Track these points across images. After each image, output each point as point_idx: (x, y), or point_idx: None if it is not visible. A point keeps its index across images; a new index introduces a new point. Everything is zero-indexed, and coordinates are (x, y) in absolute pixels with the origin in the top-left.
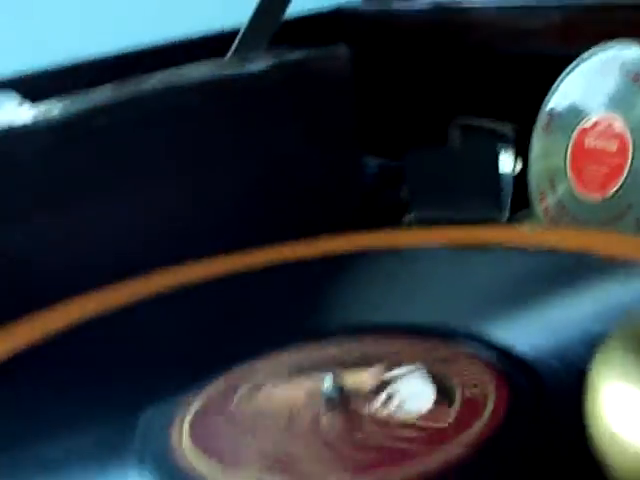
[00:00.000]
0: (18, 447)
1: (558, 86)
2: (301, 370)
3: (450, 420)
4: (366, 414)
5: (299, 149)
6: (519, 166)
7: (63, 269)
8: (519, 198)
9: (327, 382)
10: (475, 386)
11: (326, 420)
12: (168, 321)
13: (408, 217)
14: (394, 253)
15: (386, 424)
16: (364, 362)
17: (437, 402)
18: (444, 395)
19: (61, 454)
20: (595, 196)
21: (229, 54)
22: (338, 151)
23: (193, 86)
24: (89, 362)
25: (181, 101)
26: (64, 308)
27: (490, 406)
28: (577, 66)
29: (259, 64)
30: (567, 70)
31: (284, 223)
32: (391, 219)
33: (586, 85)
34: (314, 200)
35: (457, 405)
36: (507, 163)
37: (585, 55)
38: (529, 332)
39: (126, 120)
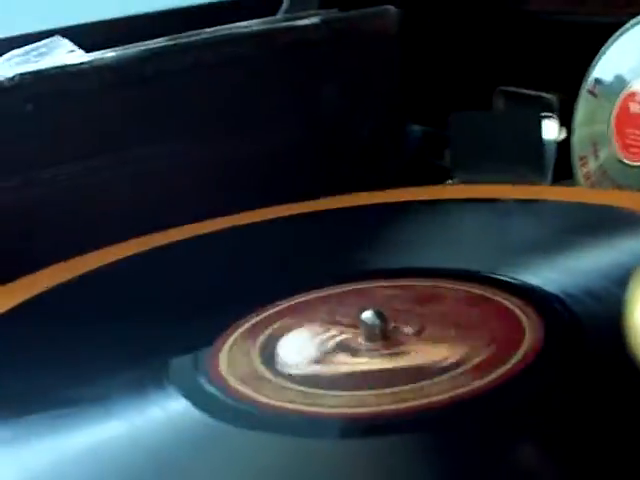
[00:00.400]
0: (60, 385)
1: (604, 53)
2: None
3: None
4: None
5: (344, 105)
6: (563, 134)
7: (104, 215)
8: (562, 167)
9: (368, 313)
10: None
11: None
12: (222, 259)
13: (450, 182)
14: (436, 205)
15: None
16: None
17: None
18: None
19: (104, 389)
20: (637, 161)
21: (279, 13)
22: (382, 109)
23: (243, 36)
24: (129, 299)
25: (231, 50)
26: (109, 249)
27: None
28: (623, 33)
29: (308, 20)
30: (613, 37)
31: (324, 177)
32: (433, 184)
33: (632, 51)
34: (355, 157)
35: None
36: (551, 130)
37: (633, 21)
38: (563, 275)
39: (177, 67)
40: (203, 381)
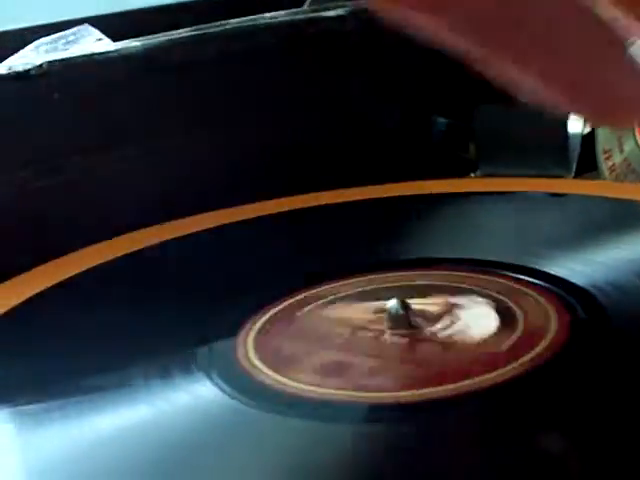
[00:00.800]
0: (85, 371)
1: (630, 46)
2: (369, 294)
3: (511, 344)
4: (428, 334)
5: (370, 96)
6: (587, 127)
7: (131, 204)
8: (586, 160)
9: (393, 301)
10: (537, 314)
11: (389, 337)
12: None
13: (475, 175)
14: (462, 197)
15: (447, 345)
16: (430, 291)
17: (499, 328)
18: (507, 322)
19: (131, 374)
20: None
21: (306, 4)
22: (408, 101)
23: (269, 27)
24: (159, 284)
25: (257, 41)
26: (141, 233)
27: (552, 332)
28: None
29: (335, 11)
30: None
31: (349, 169)
32: (458, 177)
33: None
34: (381, 149)
35: (519, 331)
36: (576, 123)
37: None
38: (588, 267)
39: (204, 57)
40: (231, 366)
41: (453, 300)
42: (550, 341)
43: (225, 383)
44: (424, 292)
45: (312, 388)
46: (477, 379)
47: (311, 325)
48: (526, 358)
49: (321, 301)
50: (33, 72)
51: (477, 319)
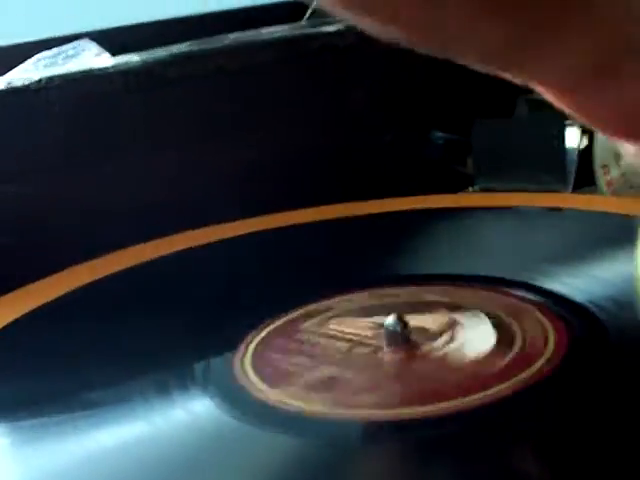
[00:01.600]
0: (83, 387)
1: None
2: (368, 310)
3: (508, 362)
4: (425, 351)
5: (368, 111)
6: (584, 142)
7: (129, 215)
8: (583, 175)
9: (391, 318)
10: (535, 330)
11: (385, 353)
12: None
13: (472, 189)
14: (459, 212)
15: (442, 363)
16: (429, 307)
17: (497, 345)
18: (505, 338)
19: (129, 391)
20: None
21: (304, 19)
22: (406, 115)
23: (268, 43)
24: (156, 299)
25: (255, 57)
26: (139, 248)
27: (550, 347)
28: None
29: (334, 26)
30: None
31: (347, 183)
32: (456, 191)
33: None
34: (378, 163)
35: (517, 348)
36: (573, 137)
37: None
38: (586, 283)
39: (201, 72)
40: (228, 382)
41: (452, 317)
42: (548, 357)
43: (222, 399)
44: (423, 308)
45: (310, 406)
46: (474, 396)
47: (310, 341)
48: (525, 374)
49: (320, 317)
50: (32, 87)
51: (475, 337)
